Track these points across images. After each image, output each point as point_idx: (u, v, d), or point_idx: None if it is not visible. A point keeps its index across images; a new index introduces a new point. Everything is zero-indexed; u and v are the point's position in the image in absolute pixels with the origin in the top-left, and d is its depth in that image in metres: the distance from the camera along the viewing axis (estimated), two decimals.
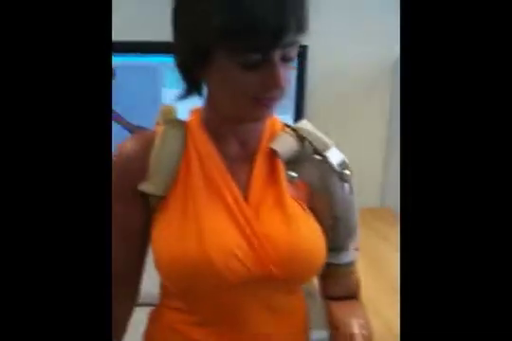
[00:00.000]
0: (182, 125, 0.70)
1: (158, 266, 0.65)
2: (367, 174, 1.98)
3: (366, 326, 0.73)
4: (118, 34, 1.76)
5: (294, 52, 0.59)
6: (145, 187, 0.65)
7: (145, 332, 0.79)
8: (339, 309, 0.76)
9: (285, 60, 0.58)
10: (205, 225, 0.63)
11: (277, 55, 0.57)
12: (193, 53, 0.59)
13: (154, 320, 0.77)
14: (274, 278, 0.64)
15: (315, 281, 1.10)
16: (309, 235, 0.67)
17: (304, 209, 0.69)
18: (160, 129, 0.68)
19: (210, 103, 0.68)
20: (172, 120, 0.70)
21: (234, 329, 0.69)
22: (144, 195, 0.67)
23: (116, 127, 1.92)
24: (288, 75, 0.60)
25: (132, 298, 0.75)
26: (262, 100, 0.60)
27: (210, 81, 0.63)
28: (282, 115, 0.74)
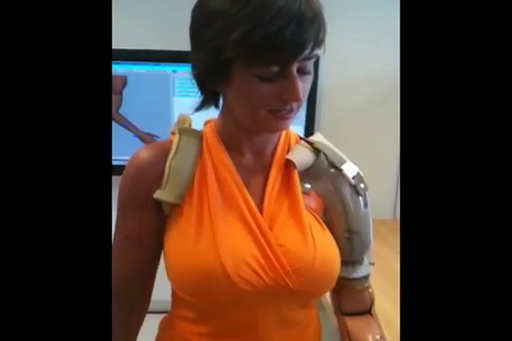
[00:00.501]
0: (197, 134, 0.70)
1: (171, 274, 0.65)
2: (379, 186, 1.96)
3: (382, 338, 0.73)
4: (133, 43, 1.79)
5: (311, 65, 0.60)
6: (160, 195, 0.65)
7: (156, 340, 0.78)
8: (355, 324, 0.75)
9: (302, 72, 0.59)
10: (219, 235, 0.63)
11: (294, 67, 0.57)
12: (212, 65, 0.59)
13: (164, 329, 0.77)
14: (288, 289, 0.63)
15: (328, 295, 1.09)
16: (324, 247, 0.66)
17: (319, 222, 0.69)
18: (176, 138, 0.68)
19: (226, 114, 0.68)
20: (187, 130, 0.70)
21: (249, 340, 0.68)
22: (159, 203, 0.67)
23: (127, 134, 1.92)
24: (306, 87, 0.61)
25: (144, 304, 0.75)
26: (279, 113, 0.60)
27: (227, 93, 0.63)
28: (293, 125, 0.74)
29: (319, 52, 0.59)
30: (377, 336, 0.73)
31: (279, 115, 0.60)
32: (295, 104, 0.60)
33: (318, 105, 1.97)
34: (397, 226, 1.84)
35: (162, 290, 0.78)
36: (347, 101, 2.05)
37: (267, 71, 0.56)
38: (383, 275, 1.26)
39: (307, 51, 0.56)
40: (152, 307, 0.76)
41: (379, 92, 2.04)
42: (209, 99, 0.67)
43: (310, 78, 0.61)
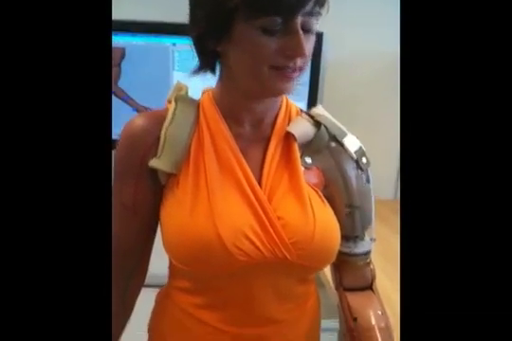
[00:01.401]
0: (194, 103, 0.68)
1: (167, 244, 0.64)
2: (381, 165, 1.95)
3: (383, 317, 0.72)
4: (132, 13, 1.74)
5: (314, 24, 0.57)
6: (155, 163, 0.63)
7: (152, 312, 0.78)
8: (356, 300, 0.75)
9: (306, 30, 0.57)
10: (216, 205, 0.61)
11: (298, 22, 0.55)
12: (211, 21, 0.57)
13: (161, 301, 0.76)
14: (286, 262, 0.62)
15: (327, 272, 1.10)
16: (324, 220, 0.65)
17: (320, 196, 0.67)
18: (172, 106, 0.66)
19: (225, 81, 0.66)
20: (184, 98, 0.68)
21: (244, 313, 0.67)
22: (155, 172, 0.65)
23: (126, 108, 1.90)
24: (310, 46, 0.58)
25: (141, 274, 0.74)
26: (283, 71, 0.58)
27: (228, 53, 0.60)
28: (296, 102, 0.72)
29: (322, 11, 0.57)
30: (379, 312, 0.73)
31: (282, 73, 0.58)
32: (299, 62, 0.58)
33: (320, 82, 1.94)
34: (398, 207, 1.85)
35: (159, 264, 0.78)
36: (350, 79, 2.02)
37: (271, 22, 0.54)
38: (383, 255, 1.26)
39: (311, 4, 0.55)
40: (148, 281, 0.76)
41: (382, 68, 2.01)
42: (207, 62, 0.65)
43: (313, 38, 0.59)
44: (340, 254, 0.70)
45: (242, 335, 0.68)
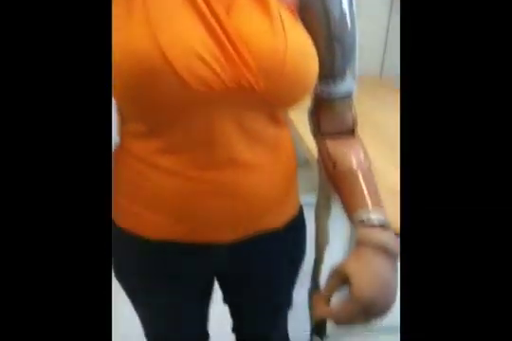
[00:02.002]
0: None
1: (113, 74, 0.51)
2: (367, 44, 1.91)
3: (366, 161, 0.68)
4: None
5: None
6: None
7: (113, 173, 0.66)
8: (335, 145, 0.69)
9: None
10: (155, 16, 0.50)
11: None
12: None
13: (117, 157, 0.65)
14: (253, 94, 0.53)
15: (312, 149, 1.09)
16: (298, 42, 0.55)
17: (293, 14, 0.57)
18: None
19: None
20: None
21: (208, 154, 0.58)
22: None
23: None
24: None
25: None
26: None
27: None
28: None
29: None
30: (361, 155, 0.67)
31: None
32: None
33: None
34: (385, 83, 1.88)
35: None
36: None
37: None
38: (367, 124, 1.19)
39: None
40: None
41: None
42: None
43: None
44: (319, 95, 0.65)
45: (206, 180, 0.60)
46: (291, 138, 0.69)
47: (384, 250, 0.56)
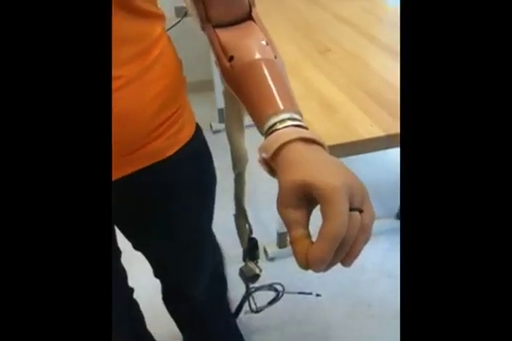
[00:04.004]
0: None
1: None
2: None
3: (269, 47, 0.55)
4: None
5: None
6: None
7: None
8: (229, 35, 0.56)
9: None
10: None
11: None
12: None
13: None
14: None
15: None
16: None
17: None
18: None
19: None
20: None
21: None
22: None
23: None
24: None
25: None
26: None
27: None
28: None
29: None
30: (262, 42, 0.55)
31: None
32: None
33: None
34: None
35: None
36: None
37: None
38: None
39: None
40: None
41: None
42: None
43: None
44: None
45: None
46: (169, 39, 0.60)
47: (312, 141, 0.45)
